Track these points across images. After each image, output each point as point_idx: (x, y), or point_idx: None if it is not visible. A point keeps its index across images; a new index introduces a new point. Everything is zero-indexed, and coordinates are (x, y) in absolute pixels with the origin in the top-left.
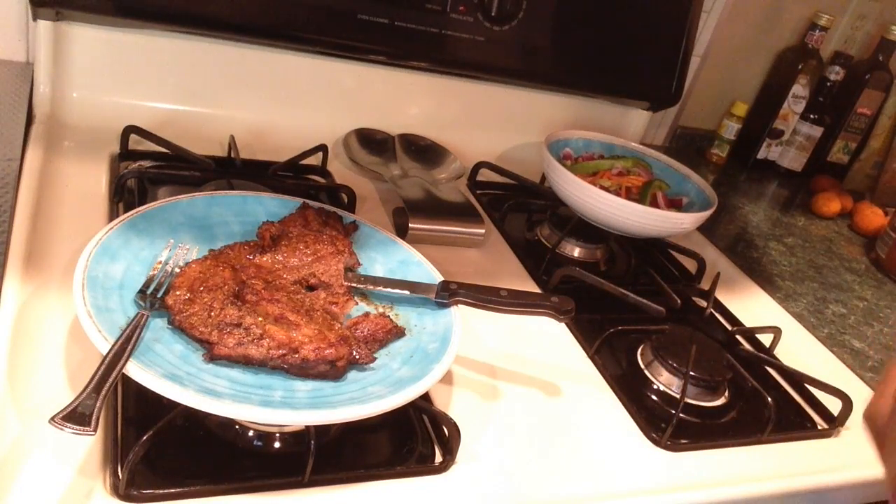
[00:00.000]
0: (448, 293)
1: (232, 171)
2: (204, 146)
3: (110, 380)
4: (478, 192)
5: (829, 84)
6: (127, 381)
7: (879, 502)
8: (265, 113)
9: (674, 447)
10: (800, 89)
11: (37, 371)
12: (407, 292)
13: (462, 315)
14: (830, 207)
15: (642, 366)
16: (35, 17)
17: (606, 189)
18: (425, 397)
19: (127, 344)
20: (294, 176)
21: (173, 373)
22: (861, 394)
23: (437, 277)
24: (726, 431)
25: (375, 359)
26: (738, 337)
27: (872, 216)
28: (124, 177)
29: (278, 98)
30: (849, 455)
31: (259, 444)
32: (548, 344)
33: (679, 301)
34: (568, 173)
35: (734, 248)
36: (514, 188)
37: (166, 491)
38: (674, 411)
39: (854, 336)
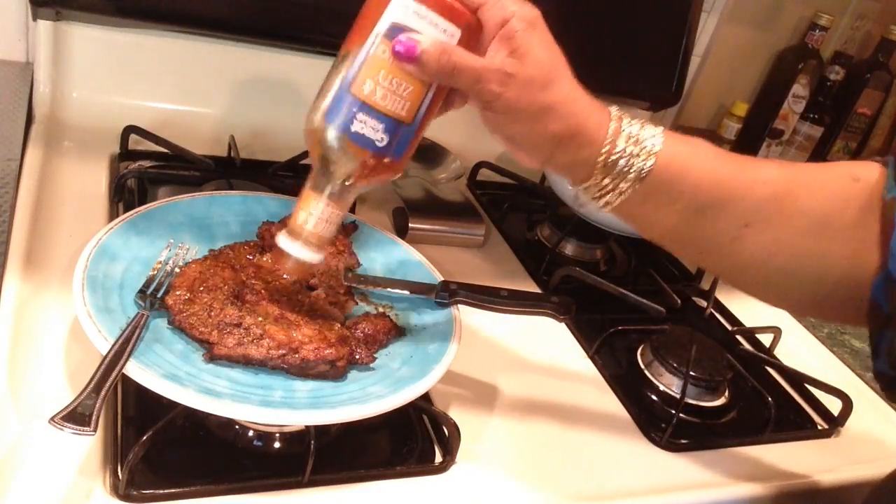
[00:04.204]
0: (448, 293)
1: (232, 171)
2: (204, 146)
3: (110, 380)
4: (478, 192)
5: (829, 84)
6: (127, 381)
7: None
8: (265, 113)
9: (674, 447)
10: (800, 89)
11: (37, 371)
12: (407, 292)
13: (462, 315)
14: None
15: (642, 366)
16: (35, 17)
17: None
18: (425, 397)
19: (127, 344)
20: (294, 176)
21: (173, 373)
22: (861, 394)
23: (437, 277)
24: (726, 431)
25: (375, 359)
26: (738, 337)
27: None
28: (124, 177)
29: (278, 98)
30: (849, 455)
31: (259, 444)
32: (548, 344)
33: (679, 301)
34: None
35: None
36: (514, 188)
37: (166, 491)
38: (674, 411)
39: (854, 336)
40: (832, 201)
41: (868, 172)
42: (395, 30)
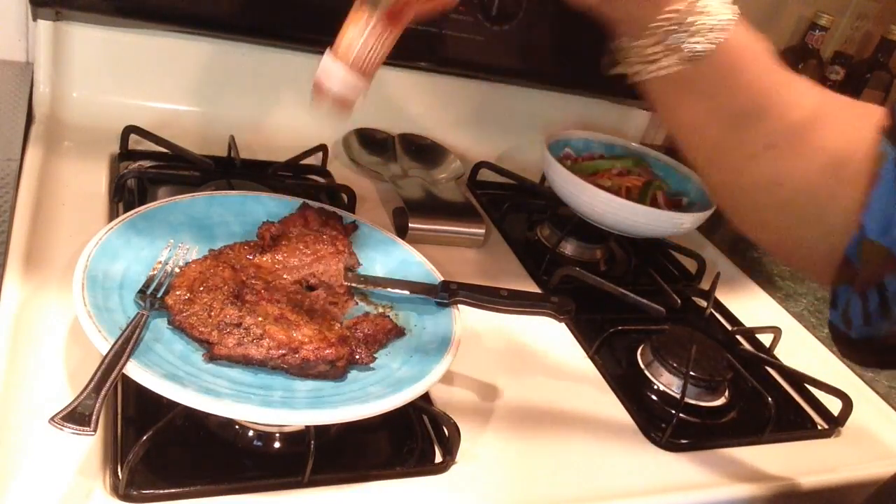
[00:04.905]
0: (448, 293)
1: (232, 171)
2: (204, 146)
3: (110, 380)
4: (478, 192)
5: (829, 84)
6: (127, 381)
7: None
8: (265, 113)
9: (674, 447)
10: None
11: (37, 371)
12: (407, 292)
13: (462, 315)
14: None
15: (642, 366)
16: (35, 17)
17: (606, 189)
18: (425, 397)
19: (127, 344)
20: (294, 176)
21: (173, 373)
22: (861, 394)
23: (437, 277)
24: (726, 431)
25: (375, 359)
26: (738, 337)
27: None
28: (124, 177)
29: (278, 98)
30: (849, 455)
31: (259, 444)
32: (548, 344)
33: (679, 301)
34: (568, 173)
35: (734, 247)
36: (514, 188)
37: (166, 491)
38: (674, 411)
39: None
40: (853, 144)
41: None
42: None
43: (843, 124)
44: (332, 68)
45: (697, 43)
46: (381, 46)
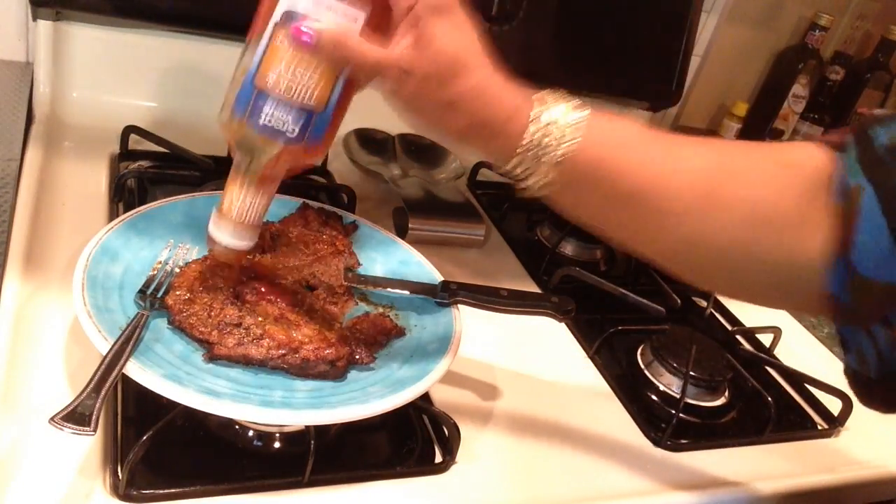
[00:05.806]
0: (448, 293)
1: None
2: (204, 146)
3: (110, 380)
4: (478, 192)
5: (829, 84)
6: (127, 381)
7: (880, 502)
8: None
9: (674, 447)
10: (800, 89)
11: (37, 371)
12: (407, 292)
13: (462, 315)
14: None
15: (642, 366)
16: (35, 17)
17: None
18: (425, 397)
19: (127, 344)
20: (294, 176)
21: (173, 373)
22: None
23: (437, 277)
24: (726, 431)
25: (375, 359)
26: (738, 337)
27: None
28: (124, 177)
29: None
30: (849, 455)
31: (259, 444)
32: (548, 344)
33: (679, 301)
34: None
35: None
36: (515, 188)
37: (166, 491)
38: (674, 411)
39: None
40: (762, 191)
41: (803, 157)
42: (290, 17)
43: (741, 176)
44: (214, 232)
45: (552, 152)
46: (253, 212)
